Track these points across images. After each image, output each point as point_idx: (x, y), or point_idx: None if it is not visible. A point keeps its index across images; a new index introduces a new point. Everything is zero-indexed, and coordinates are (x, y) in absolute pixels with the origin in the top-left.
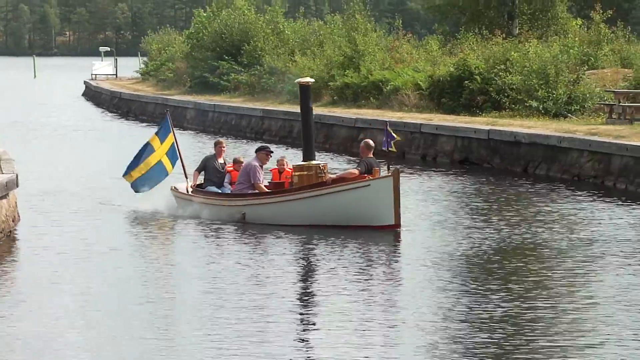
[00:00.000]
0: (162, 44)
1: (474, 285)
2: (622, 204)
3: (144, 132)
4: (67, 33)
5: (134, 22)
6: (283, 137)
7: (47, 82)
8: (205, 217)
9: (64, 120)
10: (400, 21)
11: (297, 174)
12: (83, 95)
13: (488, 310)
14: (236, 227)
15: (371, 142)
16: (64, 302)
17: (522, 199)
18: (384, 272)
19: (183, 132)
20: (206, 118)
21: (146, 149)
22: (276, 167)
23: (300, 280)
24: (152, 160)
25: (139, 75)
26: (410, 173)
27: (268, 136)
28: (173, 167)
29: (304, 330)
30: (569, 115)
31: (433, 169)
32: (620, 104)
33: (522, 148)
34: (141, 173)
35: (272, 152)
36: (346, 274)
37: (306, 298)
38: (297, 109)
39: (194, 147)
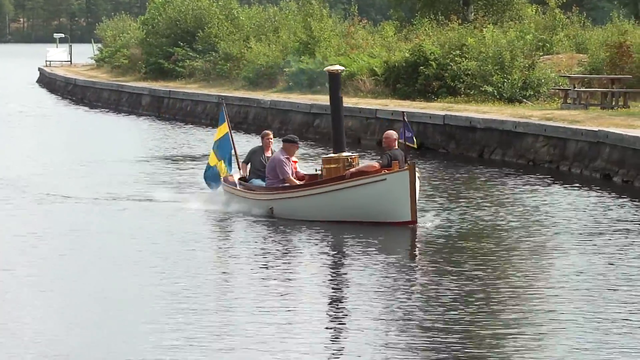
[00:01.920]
0: (117, 30)
1: (428, 268)
2: (577, 189)
3: (98, 119)
4: (21, 19)
5: (88, 9)
6: (238, 123)
7: (0, 69)
8: (238, 210)
9: (17, 107)
10: (356, 7)
11: (325, 166)
12: (37, 82)
13: (441, 291)
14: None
15: (395, 133)
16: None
17: (477, 184)
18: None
19: (138, 118)
20: (161, 104)
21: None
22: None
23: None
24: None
25: (94, 62)
26: (366, 158)
27: None
28: (225, 161)
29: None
30: (524, 100)
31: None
32: (575, 89)
33: (477, 133)
34: (213, 164)
35: (297, 142)
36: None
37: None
38: (251, 94)
39: (152, 133)
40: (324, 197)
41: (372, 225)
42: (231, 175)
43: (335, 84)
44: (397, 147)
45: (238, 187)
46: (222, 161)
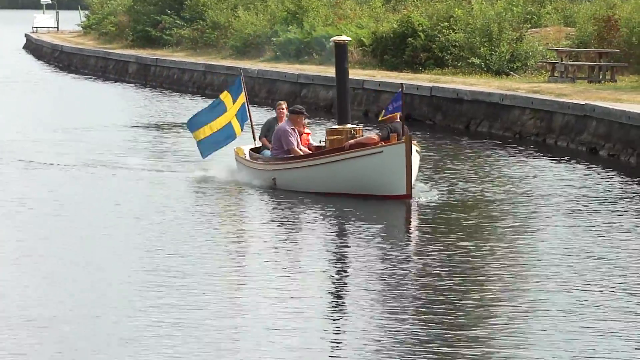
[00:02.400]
0: None
1: (414, 240)
2: (563, 162)
3: (84, 86)
4: None
5: None
6: None
7: None
8: (243, 180)
9: (2, 73)
10: None
11: (329, 138)
12: (24, 48)
13: (429, 264)
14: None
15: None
16: None
17: (464, 156)
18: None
19: (125, 86)
20: (148, 72)
21: (218, 106)
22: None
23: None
24: (222, 120)
25: (81, 29)
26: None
27: (210, 91)
28: (242, 129)
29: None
30: (512, 73)
31: (375, 125)
32: (563, 62)
33: (464, 105)
34: (210, 133)
35: (304, 113)
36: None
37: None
38: (239, 63)
39: (138, 100)
40: (322, 169)
41: (367, 199)
42: (239, 148)
43: (342, 55)
44: (398, 120)
45: (246, 157)
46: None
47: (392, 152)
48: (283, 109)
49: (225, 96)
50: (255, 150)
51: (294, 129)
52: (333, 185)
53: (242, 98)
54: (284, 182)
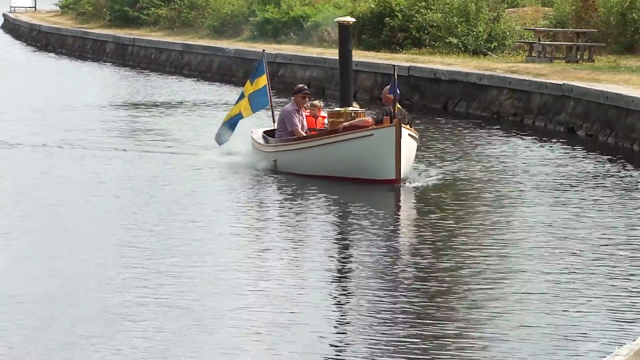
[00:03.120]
0: None
1: (402, 223)
2: (541, 142)
3: (62, 65)
4: None
5: None
6: (203, 71)
7: None
8: (251, 162)
9: None
10: None
11: (330, 119)
12: (1, 27)
13: (411, 242)
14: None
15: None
16: None
17: (442, 136)
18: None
19: (102, 65)
20: (125, 52)
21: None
22: (309, 113)
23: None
24: (236, 108)
25: (58, 9)
26: (330, 109)
27: (187, 70)
28: (254, 110)
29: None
30: (489, 53)
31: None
32: (540, 42)
33: (441, 85)
34: (226, 120)
35: (309, 94)
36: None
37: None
38: (216, 43)
39: (118, 81)
40: (316, 151)
41: (357, 184)
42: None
43: (345, 36)
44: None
45: (257, 140)
46: (249, 106)
47: (382, 135)
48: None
49: (246, 86)
50: (269, 133)
51: (297, 110)
52: (326, 168)
53: (263, 80)
54: (283, 165)
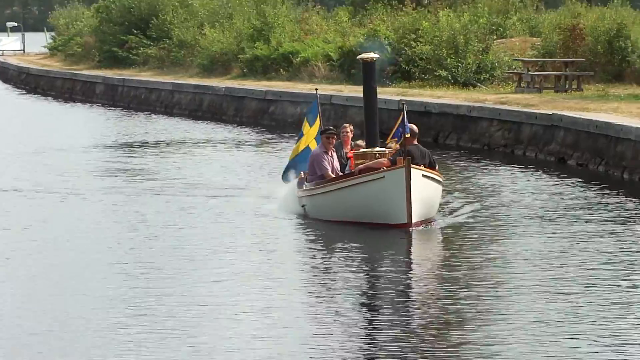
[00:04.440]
0: (70, 18)
1: (383, 245)
2: (532, 172)
3: (52, 107)
4: None
5: None
6: (193, 110)
7: None
8: (290, 207)
9: None
10: None
11: (356, 161)
12: None
13: (401, 268)
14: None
15: (415, 128)
16: None
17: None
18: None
19: (93, 106)
20: (115, 92)
21: (299, 137)
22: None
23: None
24: (300, 145)
25: (47, 51)
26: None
27: (178, 110)
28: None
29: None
30: (478, 84)
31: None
32: (529, 72)
33: (432, 118)
34: (292, 158)
35: (334, 134)
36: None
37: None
38: (206, 81)
39: (108, 122)
40: (334, 196)
41: (371, 228)
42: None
43: (369, 73)
44: (416, 142)
45: (295, 185)
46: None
47: (392, 177)
48: (347, 132)
49: (304, 125)
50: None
51: (326, 152)
52: (344, 212)
53: (319, 121)
54: (310, 210)
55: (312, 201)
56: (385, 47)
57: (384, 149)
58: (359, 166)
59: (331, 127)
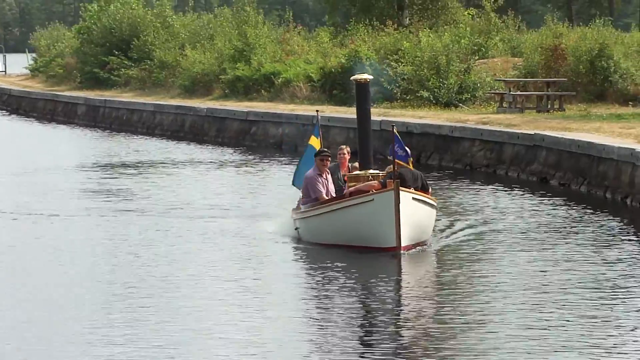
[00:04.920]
0: (51, 39)
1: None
2: (514, 192)
3: (34, 128)
4: None
5: (22, 18)
6: (175, 131)
7: None
8: (286, 230)
9: None
10: (291, 13)
11: (349, 184)
12: None
13: (377, 287)
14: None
15: (407, 151)
16: None
17: None
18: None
19: (75, 127)
20: (97, 113)
21: (309, 149)
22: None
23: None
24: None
25: (29, 72)
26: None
27: (160, 131)
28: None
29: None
30: (460, 104)
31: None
32: (511, 92)
33: (414, 138)
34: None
35: (328, 156)
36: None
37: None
38: (187, 102)
39: (90, 143)
40: (324, 219)
41: (360, 251)
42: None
43: (363, 94)
44: (408, 165)
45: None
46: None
47: (381, 200)
48: (344, 154)
49: (313, 140)
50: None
51: (320, 174)
52: (333, 236)
53: (320, 140)
54: (303, 233)
55: (305, 224)
56: (366, 67)
57: (377, 171)
58: (350, 189)
59: (326, 150)
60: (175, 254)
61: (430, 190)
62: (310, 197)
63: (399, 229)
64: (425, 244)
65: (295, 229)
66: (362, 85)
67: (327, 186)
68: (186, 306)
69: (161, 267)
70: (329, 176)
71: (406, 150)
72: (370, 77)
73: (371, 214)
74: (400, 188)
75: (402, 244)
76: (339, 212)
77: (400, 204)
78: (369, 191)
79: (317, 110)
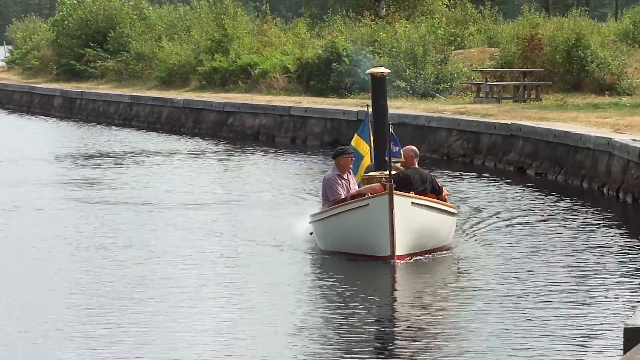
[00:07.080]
0: (27, 32)
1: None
2: (491, 182)
3: (9, 120)
4: None
5: None
6: (151, 122)
7: None
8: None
9: None
10: (267, 5)
11: (362, 185)
12: None
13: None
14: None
15: (412, 149)
16: None
17: None
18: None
19: (52, 119)
20: (73, 105)
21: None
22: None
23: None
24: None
25: (5, 64)
26: (281, 155)
27: (137, 122)
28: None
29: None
30: (437, 95)
31: (303, 151)
32: (487, 82)
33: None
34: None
35: (350, 154)
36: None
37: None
38: (164, 94)
39: (66, 134)
40: (325, 224)
41: (357, 259)
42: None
43: (379, 89)
44: (416, 164)
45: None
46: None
47: (376, 204)
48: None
49: (357, 141)
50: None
51: (340, 175)
52: (333, 243)
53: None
54: (317, 239)
55: (314, 229)
56: (343, 59)
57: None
58: (352, 192)
59: (346, 146)
60: (154, 246)
61: (445, 192)
62: (329, 200)
63: (393, 237)
64: (442, 250)
65: (310, 233)
66: (378, 79)
67: (348, 188)
68: (164, 308)
69: (138, 263)
70: (351, 176)
71: (399, 146)
72: (388, 70)
73: (367, 220)
74: (398, 192)
75: (399, 253)
76: (337, 217)
77: (396, 209)
78: (365, 194)
79: (367, 105)
